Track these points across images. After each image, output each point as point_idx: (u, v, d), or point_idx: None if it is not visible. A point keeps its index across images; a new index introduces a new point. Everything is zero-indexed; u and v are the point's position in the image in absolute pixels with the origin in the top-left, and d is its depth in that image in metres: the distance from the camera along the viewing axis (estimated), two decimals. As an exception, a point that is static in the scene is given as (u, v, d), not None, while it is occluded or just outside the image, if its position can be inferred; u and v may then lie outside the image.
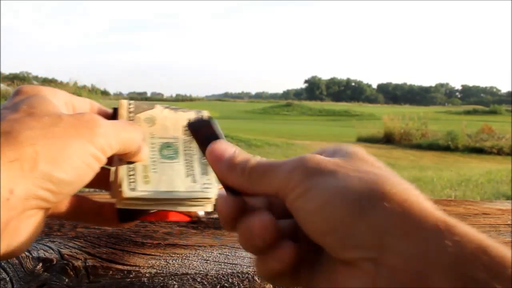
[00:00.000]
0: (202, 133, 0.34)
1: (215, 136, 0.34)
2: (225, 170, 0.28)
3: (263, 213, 0.26)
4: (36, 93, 0.31)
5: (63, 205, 0.32)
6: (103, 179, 0.34)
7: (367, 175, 0.24)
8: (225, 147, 0.29)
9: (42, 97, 0.30)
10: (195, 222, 0.33)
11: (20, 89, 0.31)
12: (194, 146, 0.36)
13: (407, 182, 0.24)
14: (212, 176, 0.35)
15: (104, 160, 0.30)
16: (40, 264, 0.37)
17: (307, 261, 0.27)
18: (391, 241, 0.21)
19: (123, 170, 0.34)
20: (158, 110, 0.38)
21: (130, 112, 0.37)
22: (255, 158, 0.28)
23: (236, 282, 0.35)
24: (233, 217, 0.27)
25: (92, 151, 0.28)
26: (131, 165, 0.34)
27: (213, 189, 0.35)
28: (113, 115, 0.36)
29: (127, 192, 0.33)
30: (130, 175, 0.34)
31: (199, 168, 0.36)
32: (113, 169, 0.34)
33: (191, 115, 0.39)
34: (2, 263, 0.37)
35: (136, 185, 0.34)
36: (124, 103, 0.37)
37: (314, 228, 0.24)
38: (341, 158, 0.26)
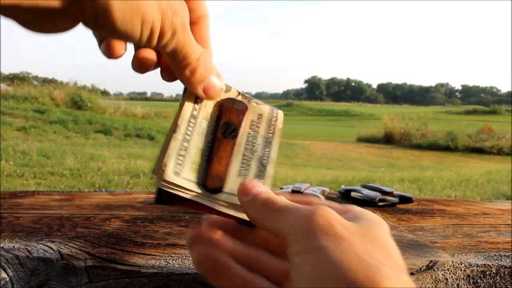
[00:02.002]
0: (227, 117, 0.33)
1: (234, 127, 0.33)
2: (248, 201, 0.29)
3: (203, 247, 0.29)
4: None
5: None
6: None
7: (369, 258, 0.24)
8: (256, 185, 0.30)
9: None
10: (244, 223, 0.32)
11: None
12: (260, 142, 0.34)
13: (405, 275, 0.24)
14: (268, 182, 0.33)
15: None
16: (40, 264, 0.37)
17: None
18: None
19: (175, 146, 0.31)
20: (232, 94, 0.34)
21: None
22: (278, 197, 0.29)
23: (236, 282, 0.35)
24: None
25: None
26: (186, 144, 0.31)
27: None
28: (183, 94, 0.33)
29: (170, 175, 0.30)
30: (180, 155, 0.31)
31: (255, 169, 0.33)
32: (166, 138, 0.31)
33: (265, 109, 0.35)
34: (2, 263, 0.37)
35: (181, 170, 0.31)
36: None
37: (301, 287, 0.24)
38: (355, 224, 0.26)
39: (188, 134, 0.32)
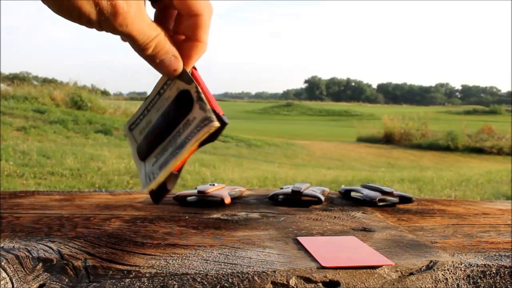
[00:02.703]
0: (173, 109, 0.36)
1: (172, 119, 0.36)
2: None
3: None
4: None
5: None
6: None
7: None
8: None
9: None
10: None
11: None
12: (179, 142, 0.35)
13: None
14: (163, 175, 0.36)
15: None
16: (40, 264, 0.37)
17: None
18: None
19: (140, 109, 0.39)
20: (191, 88, 0.36)
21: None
22: None
23: (236, 282, 0.35)
24: None
25: None
26: (146, 112, 0.38)
27: (151, 184, 0.36)
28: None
29: (126, 125, 0.40)
30: (139, 118, 0.39)
31: (163, 159, 0.36)
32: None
33: (199, 115, 0.35)
34: (2, 263, 0.37)
35: (134, 128, 0.39)
36: None
37: None
38: None
39: (150, 105, 0.39)
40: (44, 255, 0.39)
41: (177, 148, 0.35)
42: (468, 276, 0.39)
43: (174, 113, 0.36)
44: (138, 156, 0.38)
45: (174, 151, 0.35)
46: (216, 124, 0.34)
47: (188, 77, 0.36)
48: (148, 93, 0.40)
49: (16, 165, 4.39)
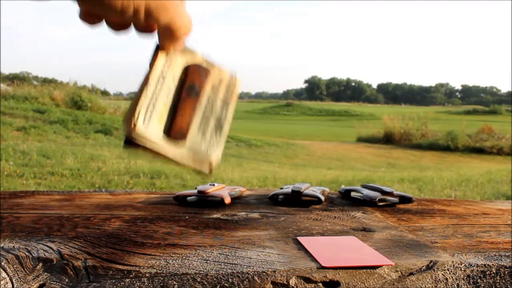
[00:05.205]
0: (191, 80, 0.36)
1: (197, 88, 0.36)
2: None
3: None
4: None
5: None
6: None
7: None
8: None
9: None
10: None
11: None
12: (219, 104, 0.37)
13: None
14: (223, 139, 0.37)
15: None
16: (40, 264, 0.37)
17: None
18: None
19: (144, 101, 0.34)
20: (197, 59, 0.38)
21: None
22: None
23: (236, 282, 0.35)
24: None
25: None
26: (153, 101, 0.35)
27: (217, 152, 0.36)
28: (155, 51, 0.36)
29: (139, 127, 0.33)
30: (148, 110, 0.34)
31: (213, 126, 0.37)
32: (137, 93, 0.35)
33: (226, 75, 0.39)
34: (2, 263, 0.37)
35: (149, 122, 0.34)
36: None
37: None
38: None
39: (156, 92, 0.35)
40: (44, 255, 0.39)
41: (223, 107, 0.39)
42: (468, 276, 0.39)
43: (193, 85, 0.38)
44: (175, 142, 0.38)
45: (222, 111, 0.38)
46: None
47: (192, 51, 0.38)
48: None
49: (16, 165, 4.39)
